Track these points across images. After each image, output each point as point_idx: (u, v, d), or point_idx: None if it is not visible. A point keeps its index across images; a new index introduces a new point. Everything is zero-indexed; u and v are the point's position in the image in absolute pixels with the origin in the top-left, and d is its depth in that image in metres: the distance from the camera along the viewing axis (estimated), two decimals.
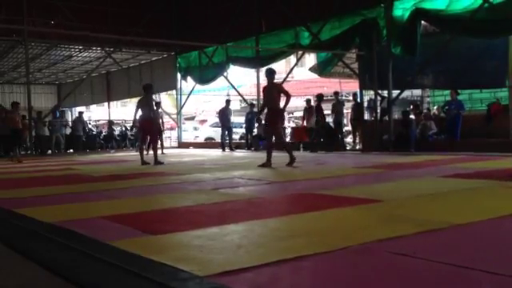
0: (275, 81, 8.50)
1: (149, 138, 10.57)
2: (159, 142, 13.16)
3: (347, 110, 16.82)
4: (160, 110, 14.16)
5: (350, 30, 13.21)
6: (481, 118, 12.25)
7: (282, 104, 8.07)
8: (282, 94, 8.05)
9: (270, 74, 8.27)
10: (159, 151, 12.98)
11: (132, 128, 17.85)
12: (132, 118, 10.71)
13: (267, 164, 8.01)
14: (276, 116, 8.17)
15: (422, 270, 2.08)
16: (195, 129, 27.59)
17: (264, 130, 8.45)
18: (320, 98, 13.70)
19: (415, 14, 11.81)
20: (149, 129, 9.82)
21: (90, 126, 21.61)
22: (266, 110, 8.38)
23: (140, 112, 9.70)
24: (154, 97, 10.68)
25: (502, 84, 12.60)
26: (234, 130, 17.55)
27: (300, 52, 16.44)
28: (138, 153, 10.79)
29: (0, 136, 16.47)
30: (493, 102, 13.31)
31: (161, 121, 14.33)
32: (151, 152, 10.35)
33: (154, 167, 8.87)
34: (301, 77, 28.39)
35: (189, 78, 19.89)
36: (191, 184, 5.87)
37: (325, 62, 15.34)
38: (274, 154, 8.22)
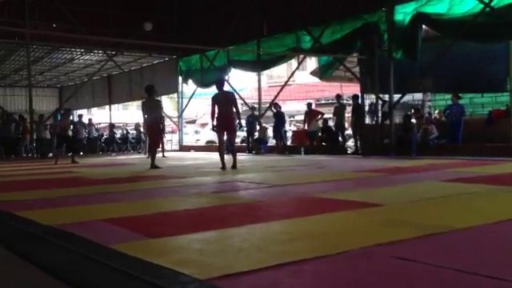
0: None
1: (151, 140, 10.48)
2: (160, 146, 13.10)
3: (348, 113, 16.77)
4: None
5: (352, 34, 13.23)
6: (482, 123, 12.25)
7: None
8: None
9: (222, 84, 8.87)
10: (160, 154, 12.95)
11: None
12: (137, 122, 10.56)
13: (224, 167, 8.36)
14: (234, 124, 8.67)
15: (423, 274, 2.07)
16: (196, 132, 27.64)
17: (221, 137, 8.82)
18: (356, 97, 13.42)
19: (416, 18, 11.82)
20: (156, 133, 9.83)
21: (94, 130, 21.33)
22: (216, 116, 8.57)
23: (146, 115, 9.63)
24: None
25: (504, 88, 12.60)
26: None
27: (301, 56, 16.45)
28: (140, 156, 10.74)
29: (2, 138, 16.61)
30: (497, 109, 13.24)
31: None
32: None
33: (155, 171, 8.86)
34: (302, 80, 28.44)
35: (190, 82, 19.93)
36: (192, 187, 5.86)
37: (326, 65, 15.35)
38: (277, 157, 8.23)
